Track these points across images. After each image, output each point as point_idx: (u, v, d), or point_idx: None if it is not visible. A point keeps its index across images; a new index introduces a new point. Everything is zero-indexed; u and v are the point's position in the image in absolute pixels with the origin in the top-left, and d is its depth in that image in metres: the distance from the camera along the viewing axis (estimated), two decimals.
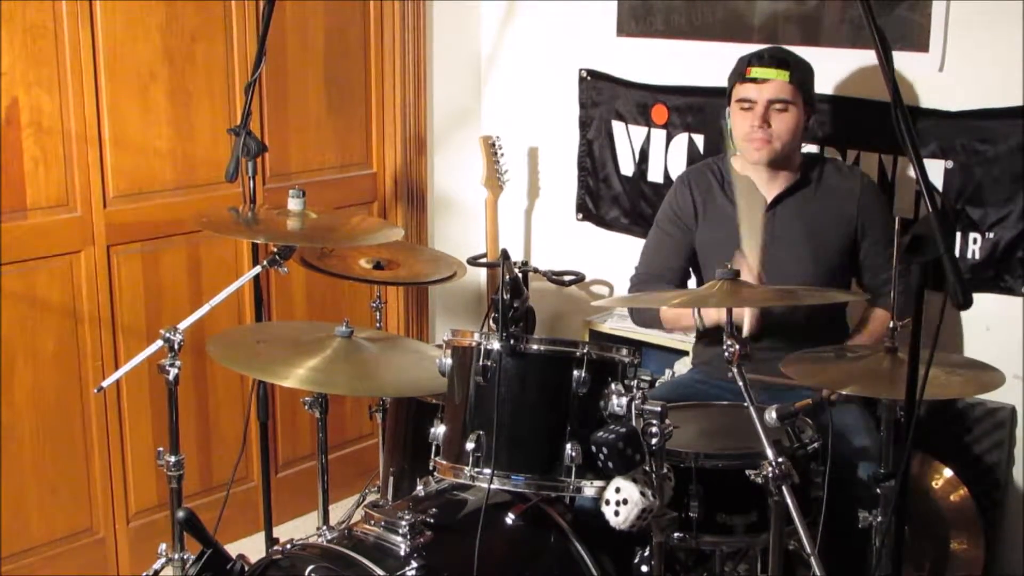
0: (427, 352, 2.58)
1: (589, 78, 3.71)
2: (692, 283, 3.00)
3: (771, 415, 2.08)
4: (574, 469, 2.04)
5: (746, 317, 2.58)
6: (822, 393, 2.19)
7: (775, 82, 2.68)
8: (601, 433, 1.98)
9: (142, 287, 3.21)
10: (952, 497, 2.95)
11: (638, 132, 3.59)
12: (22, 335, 2.98)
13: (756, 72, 2.70)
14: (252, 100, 2.90)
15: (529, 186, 3.95)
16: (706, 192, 2.89)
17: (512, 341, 2.05)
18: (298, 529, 3.46)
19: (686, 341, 3.30)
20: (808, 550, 2.01)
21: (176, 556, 2.61)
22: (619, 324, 3.51)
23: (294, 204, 2.75)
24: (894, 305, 2.26)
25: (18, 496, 3.02)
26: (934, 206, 1.62)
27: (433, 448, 2.16)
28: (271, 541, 3.07)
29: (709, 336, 2.88)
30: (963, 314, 2.97)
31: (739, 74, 2.74)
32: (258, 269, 2.71)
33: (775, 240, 2.77)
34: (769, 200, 2.79)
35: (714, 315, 2.72)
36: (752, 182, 2.80)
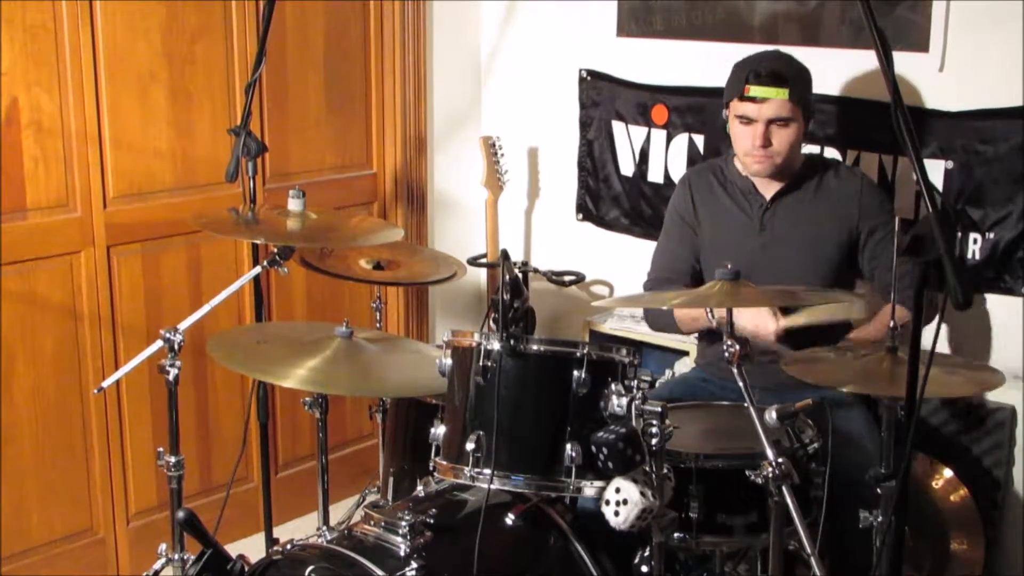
0: (427, 352, 2.58)
1: (589, 78, 3.71)
2: None
3: (771, 415, 2.07)
4: (574, 469, 2.04)
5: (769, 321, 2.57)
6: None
7: (774, 101, 2.64)
8: (601, 433, 1.98)
9: (142, 287, 3.21)
10: (952, 497, 2.95)
11: (638, 132, 3.59)
12: (22, 335, 2.98)
13: (755, 91, 2.64)
14: (252, 100, 2.90)
15: (529, 186, 3.95)
16: (706, 193, 2.88)
17: (512, 341, 2.05)
18: (298, 529, 3.46)
19: (686, 341, 3.30)
20: (808, 550, 2.01)
21: (176, 556, 2.60)
22: (619, 324, 3.51)
23: (294, 204, 2.75)
24: (894, 305, 2.26)
25: (18, 496, 3.02)
26: (934, 206, 1.62)
27: (433, 448, 2.16)
28: (271, 541, 3.07)
29: (713, 335, 2.88)
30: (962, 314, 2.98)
31: (737, 90, 2.69)
32: (258, 269, 2.71)
33: (773, 239, 2.77)
34: (768, 199, 2.79)
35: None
36: (750, 181, 2.81)
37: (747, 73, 2.67)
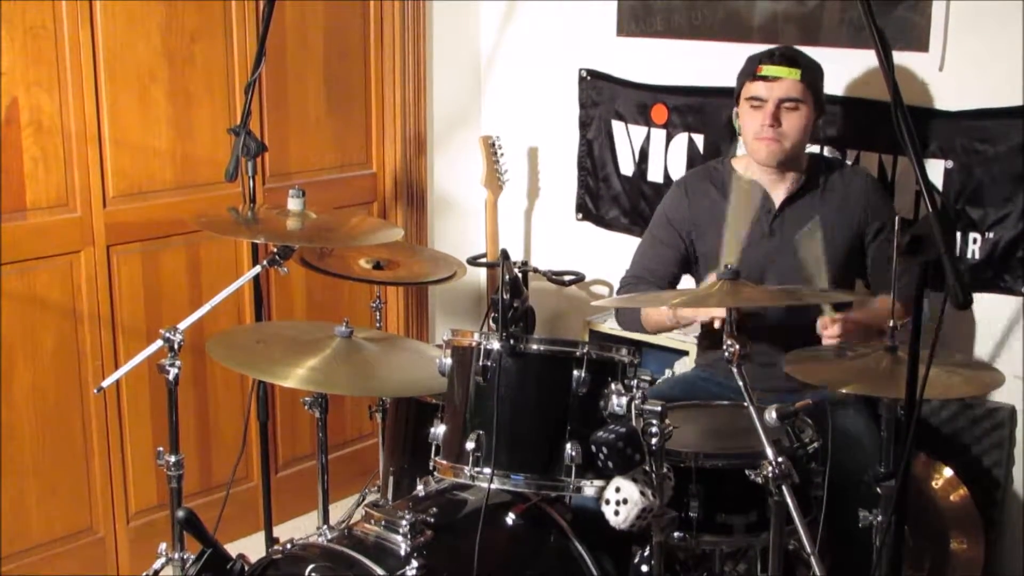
0: (427, 352, 2.58)
1: (589, 78, 3.71)
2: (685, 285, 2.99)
3: (771, 415, 2.07)
4: (574, 469, 2.04)
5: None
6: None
7: (786, 81, 2.67)
8: (601, 433, 1.98)
9: (142, 287, 3.21)
10: (952, 497, 2.95)
11: (638, 132, 3.59)
12: (22, 335, 2.98)
13: (767, 70, 2.68)
14: (252, 100, 2.90)
15: (529, 186, 3.95)
16: (703, 197, 2.87)
17: (512, 341, 2.05)
18: (298, 529, 3.46)
19: (686, 341, 3.31)
20: (808, 550, 2.00)
21: (176, 556, 2.60)
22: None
23: (294, 204, 2.75)
24: (893, 303, 2.26)
25: (18, 496, 3.02)
26: (934, 206, 1.62)
27: (433, 448, 2.16)
28: (271, 541, 3.07)
29: (709, 338, 2.88)
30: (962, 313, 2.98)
31: (749, 72, 2.73)
32: (258, 269, 2.71)
33: (783, 243, 2.76)
34: (777, 204, 2.78)
35: (688, 313, 2.69)
36: (759, 186, 2.79)
37: (761, 56, 2.72)
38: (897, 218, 2.31)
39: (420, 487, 2.29)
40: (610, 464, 1.96)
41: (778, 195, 2.78)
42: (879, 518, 2.24)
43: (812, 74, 2.72)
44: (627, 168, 3.65)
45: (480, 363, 2.07)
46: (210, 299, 2.59)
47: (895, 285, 2.21)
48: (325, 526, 2.19)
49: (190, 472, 2.83)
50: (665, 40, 3.49)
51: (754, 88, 2.71)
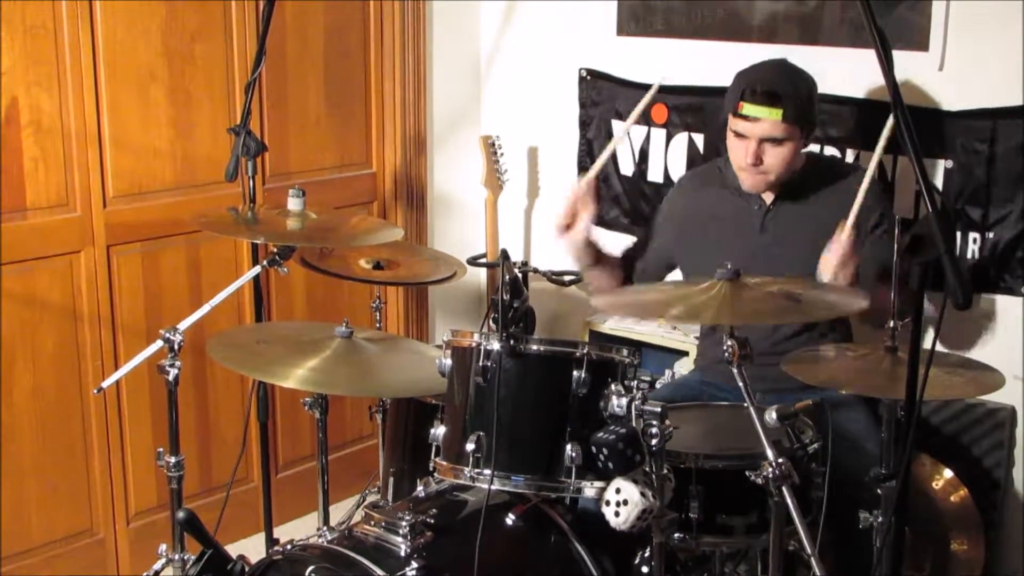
0: (427, 352, 2.58)
1: (589, 78, 3.71)
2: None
3: (771, 415, 2.07)
4: (574, 470, 2.04)
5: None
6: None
7: (767, 121, 2.59)
8: (601, 434, 1.98)
9: (142, 287, 3.21)
10: (952, 497, 2.95)
11: (638, 132, 3.59)
12: (22, 335, 2.98)
13: (748, 109, 2.59)
14: (252, 100, 2.90)
15: (529, 186, 3.95)
16: (703, 194, 2.87)
17: (512, 341, 2.05)
18: (298, 530, 3.46)
19: (686, 341, 3.31)
20: (808, 550, 2.00)
21: (176, 556, 2.60)
22: (619, 324, 3.51)
23: (294, 204, 2.75)
24: (894, 304, 2.25)
25: (18, 496, 3.02)
26: (934, 206, 1.62)
27: (433, 449, 2.16)
28: (271, 542, 3.07)
29: (709, 338, 2.88)
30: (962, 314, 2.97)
31: (732, 105, 2.65)
32: (258, 269, 2.71)
33: (775, 240, 2.76)
34: (769, 201, 2.78)
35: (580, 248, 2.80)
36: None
37: (743, 88, 2.62)
38: (897, 218, 2.30)
39: (420, 488, 2.29)
40: (610, 465, 1.96)
41: (770, 192, 2.78)
42: (879, 519, 2.24)
43: (796, 106, 2.61)
44: (627, 168, 3.65)
45: (480, 364, 2.07)
46: (210, 299, 2.59)
47: (895, 280, 2.21)
48: (325, 527, 2.19)
49: (190, 473, 2.82)
50: (665, 40, 3.48)
51: (736, 123, 2.65)
